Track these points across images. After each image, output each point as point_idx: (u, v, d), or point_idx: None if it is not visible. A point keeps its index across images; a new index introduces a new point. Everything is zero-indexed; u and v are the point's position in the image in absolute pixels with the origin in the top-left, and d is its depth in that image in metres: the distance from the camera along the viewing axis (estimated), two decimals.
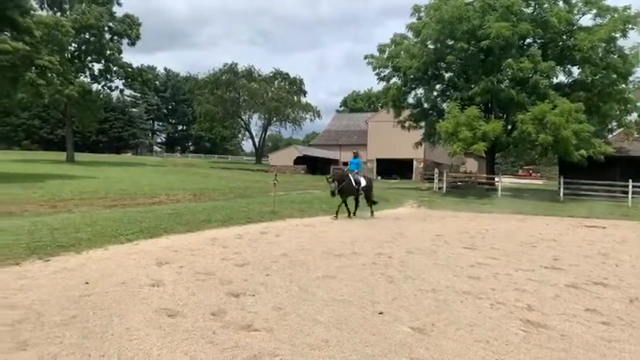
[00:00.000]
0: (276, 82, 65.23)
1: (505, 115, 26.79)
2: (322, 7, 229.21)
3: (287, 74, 65.41)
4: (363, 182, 14.03)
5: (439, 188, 26.98)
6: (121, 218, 9.62)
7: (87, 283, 5.27)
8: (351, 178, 13.62)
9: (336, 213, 13.24)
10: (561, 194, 23.86)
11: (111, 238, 7.83)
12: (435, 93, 29.40)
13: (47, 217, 9.74)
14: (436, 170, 29.54)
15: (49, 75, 26.40)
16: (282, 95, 62.98)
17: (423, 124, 29.88)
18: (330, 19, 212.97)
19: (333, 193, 13.18)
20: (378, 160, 51.09)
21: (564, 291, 5.92)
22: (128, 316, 4.29)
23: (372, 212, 14.48)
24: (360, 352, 3.73)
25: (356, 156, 14.90)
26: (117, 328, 4.01)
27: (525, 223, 14.80)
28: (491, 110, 26.95)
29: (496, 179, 27.72)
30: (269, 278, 5.91)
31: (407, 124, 30.20)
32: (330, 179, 13.25)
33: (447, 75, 28.86)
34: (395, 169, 49.99)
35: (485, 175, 29.89)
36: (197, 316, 4.41)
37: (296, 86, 65.76)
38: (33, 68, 22.89)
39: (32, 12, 23.43)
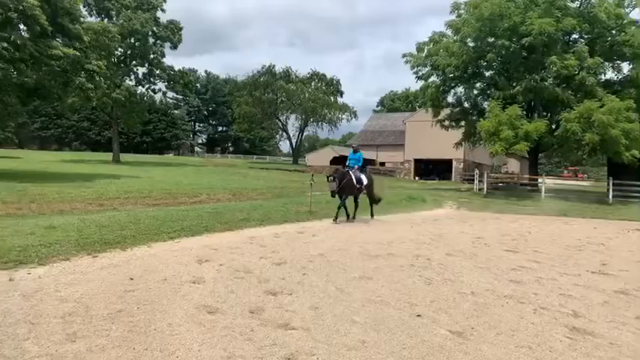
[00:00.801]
0: (312, 83, 65.53)
1: (549, 114, 25.85)
2: (360, 8, 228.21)
3: (324, 75, 65.63)
4: (365, 180, 12.74)
5: (479, 189, 26.32)
6: (164, 217, 9.93)
7: (131, 278, 5.48)
8: (352, 175, 12.33)
9: (336, 216, 12.06)
10: (610, 196, 22.77)
11: (154, 235, 8.09)
12: (476, 92, 28.73)
13: (95, 214, 10.17)
14: (476, 171, 28.85)
15: (97, 79, 27.55)
16: (319, 96, 63.19)
17: (462, 123, 29.28)
18: (367, 20, 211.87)
19: (333, 194, 11.98)
20: (416, 161, 50.43)
21: (613, 297, 5.67)
22: (170, 312, 4.43)
23: (372, 214, 13.30)
24: (397, 354, 3.70)
25: (356, 150, 13.45)
26: (160, 323, 4.15)
27: (571, 226, 14.24)
28: (534, 109, 26.07)
29: (539, 180, 26.80)
30: (306, 277, 5.96)
31: (446, 123, 29.67)
32: (331, 178, 11.98)
33: (487, 73, 28.15)
34: (433, 169, 49.20)
35: (527, 176, 28.95)
36: (236, 313, 4.49)
37: (332, 87, 65.83)
38: (82, 73, 23.95)
39: (82, 19, 24.53)
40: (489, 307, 5.07)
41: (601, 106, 21.07)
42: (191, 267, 6.23)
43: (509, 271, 6.92)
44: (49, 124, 73.64)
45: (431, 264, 7.18)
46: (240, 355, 3.58)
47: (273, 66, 63.41)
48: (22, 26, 19.05)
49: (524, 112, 24.09)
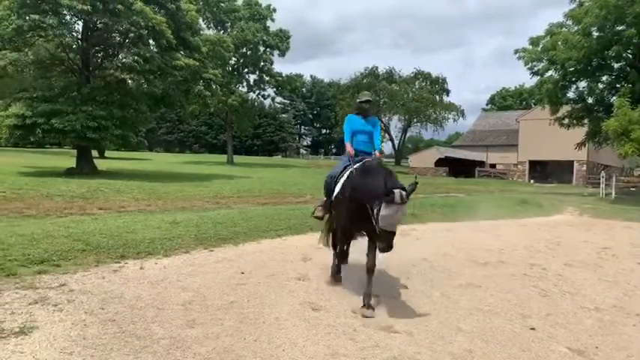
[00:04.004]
0: (417, 83, 64.11)
1: None
2: (468, 4, 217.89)
3: (428, 74, 63.80)
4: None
5: (606, 194, 23.63)
6: (272, 215, 10.42)
7: (242, 272, 5.83)
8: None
9: (338, 267, 5.71)
10: None
11: (263, 232, 8.54)
12: (601, 86, 25.82)
13: (211, 212, 11.00)
14: (602, 174, 25.97)
15: (214, 87, 29.77)
16: (423, 95, 61.61)
17: (585, 121, 26.51)
18: (477, 15, 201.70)
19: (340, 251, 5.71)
20: (532, 162, 46.90)
21: None
22: (277, 307, 4.63)
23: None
24: None
25: (365, 112, 5.96)
26: (268, 316, 4.36)
27: None
28: None
29: None
30: (409, 282, 5.85)
31: (566, 121, 27.08)
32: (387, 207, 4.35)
33: (616, 65, 25.15)
34: (551, 172, 45.33)
35: None
36: (339, 312, 4.57)
37: (438, 85, 63.79)
38: (201, 81, 26.07)
39: (201, 32, 26.74)
40: (617, 325, 4.54)
41: None
42: (296, 264, 6.47)
43: None
44: (173, 129, 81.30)
45: (547, 274, 6.63)
46: (343, 353, 3.63)
47: (376, 67, 63.26)
48: (150, 41, 21.31)
49: None
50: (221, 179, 22.18)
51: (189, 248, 6.94)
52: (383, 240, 4.39)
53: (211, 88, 28.44)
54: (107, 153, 39.93)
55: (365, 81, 62.37)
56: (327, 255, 7.11)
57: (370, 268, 4.85)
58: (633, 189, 27.42)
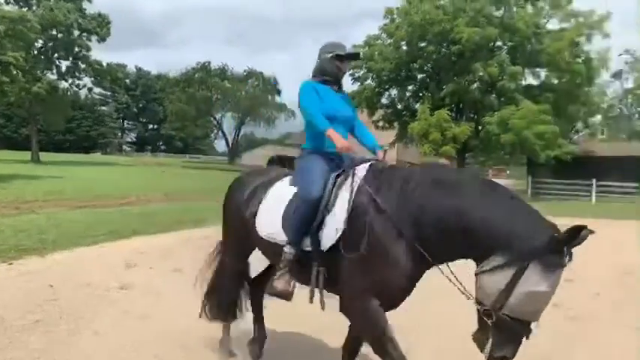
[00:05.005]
0: (249, 82, 64.75)
1: (476, 117, 27.43)
2: (298, 10, 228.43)
3: (261, 73, 65.00)
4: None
5: None
6: (89, 220, 9.41)
7: (51, 286, 5.12)
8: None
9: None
10: (529, 193, 24.52)
11: (78, 239, 7.62)
12: (408, 94, 29.85)
13: (10, 218, 9.43)
14: None
15: (14, 72, 25.54)
16: (256, 94, 62.56)
17: (396, 124, 30.30)
18: (307, 21, 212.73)
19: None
20: None
21: None
22: (96, 320, 4.22)
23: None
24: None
25: (336, 77, 3.25)
26: (84, 331, 3.95)
27: None
28: (462, 112, 27.52)
29: None
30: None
31: (380, 124, 30.53)
32: None
33: (419, 76, 29.34)
34: None
35: None
36: (169, 318, 4.33)
37: (270, 85, 65.43)
38: None
39: None
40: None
41: (519, 110, 22.69)
42: (119, 272, 5.93)
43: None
44: None
45: None
46: None
47: (209, 63, 62.01)
48: None
49: (454, 115, 25.47)
50: (23, 180, 19.11)
51: None
52: (504, 339, 2.13)
53: (11, 74, 24.34)
54: None
55: (197, 75, 60.61)
56: (154, 259, 6.70)
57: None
58: None
